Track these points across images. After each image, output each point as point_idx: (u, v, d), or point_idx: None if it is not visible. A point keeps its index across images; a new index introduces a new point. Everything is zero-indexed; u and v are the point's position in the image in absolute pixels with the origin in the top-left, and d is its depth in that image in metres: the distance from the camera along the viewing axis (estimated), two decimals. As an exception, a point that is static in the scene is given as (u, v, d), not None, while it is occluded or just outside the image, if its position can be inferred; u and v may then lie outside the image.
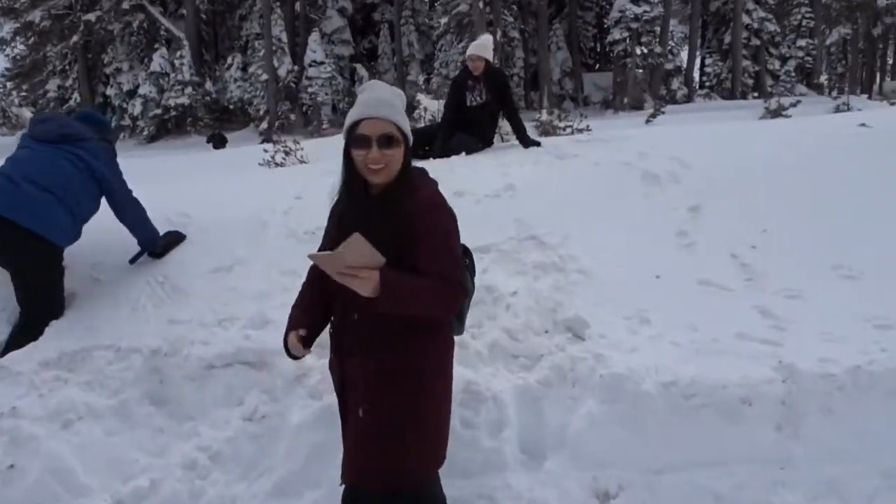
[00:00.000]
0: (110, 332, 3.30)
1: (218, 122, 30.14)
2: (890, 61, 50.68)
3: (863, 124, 4.97)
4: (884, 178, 4.17)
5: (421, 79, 27.78)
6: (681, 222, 4.00)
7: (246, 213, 4.24)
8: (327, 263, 1.77)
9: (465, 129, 5.29)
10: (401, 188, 1.89)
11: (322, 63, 29.00)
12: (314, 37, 29.70)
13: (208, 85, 30.87)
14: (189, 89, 28.92)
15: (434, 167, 4.95)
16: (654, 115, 19.88)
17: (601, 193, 4.25)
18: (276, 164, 15.12)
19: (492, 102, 5.33)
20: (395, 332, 1.86)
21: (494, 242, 3.77)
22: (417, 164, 4.72)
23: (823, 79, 36.83)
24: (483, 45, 5.20)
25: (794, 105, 19.87)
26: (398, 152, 1.86)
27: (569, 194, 4.26)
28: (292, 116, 29.49)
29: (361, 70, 31.94)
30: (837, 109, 20.39)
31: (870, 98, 28.45)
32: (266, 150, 15.44)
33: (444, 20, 26.38)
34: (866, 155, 4.48)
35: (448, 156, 5.13)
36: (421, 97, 17.96)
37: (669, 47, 28.83)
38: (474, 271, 2.24)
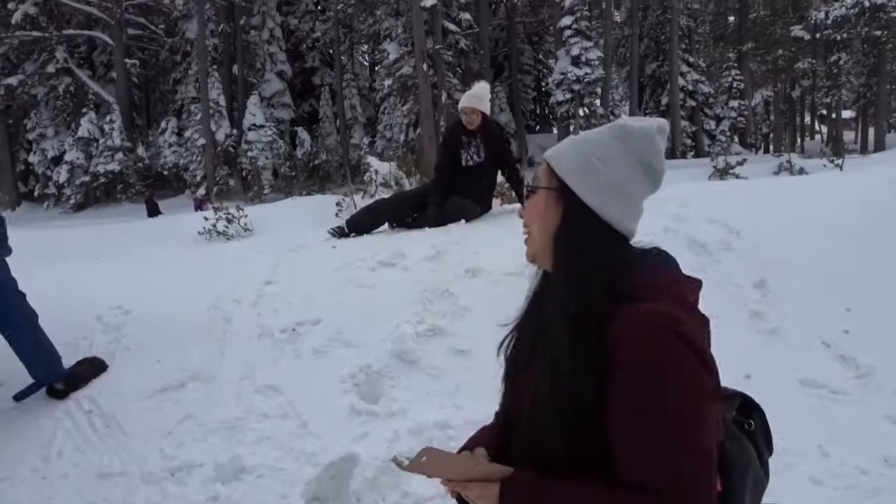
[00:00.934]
0: (7, 498, 2.25)
1: (151, 189, 28.69)
2: (808, 121, 53.63)
3: (902, 180, 4.43)
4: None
5: (365, 141, 27.22)
6: (751, 302, 3.28)
7: (201, 305, 3.29)
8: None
9: (462, 193, 4.51)
10: None
11: (262, 126, 28.14)
12: (253, 100, 28.90)
13: (140, 150, 29.45)
14: (120, 155, 27.47)
15: (432, 240, 4.14)
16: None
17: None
18: (219, 233, 14.04)
19: (490, 161, 4.58)
20: None
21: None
22: (405, 234, 3.83)
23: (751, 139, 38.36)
24: (479, 96, 4.46)
25: (740, 164, 20.14)
26: None
27: (608, 270, 3.47)
28: (231, 182, 28.31)
29: (303, 133, 31.22)
30: (780, 168, 20.82)
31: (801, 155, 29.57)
32: (206, 218, 14.35)
33: (387, 82, 26.05)
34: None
35: (444, 224, 4.32)
36: (371, 159, 17.23)
37: (611, 108, 29.34)
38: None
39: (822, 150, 34.57)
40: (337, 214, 15.81)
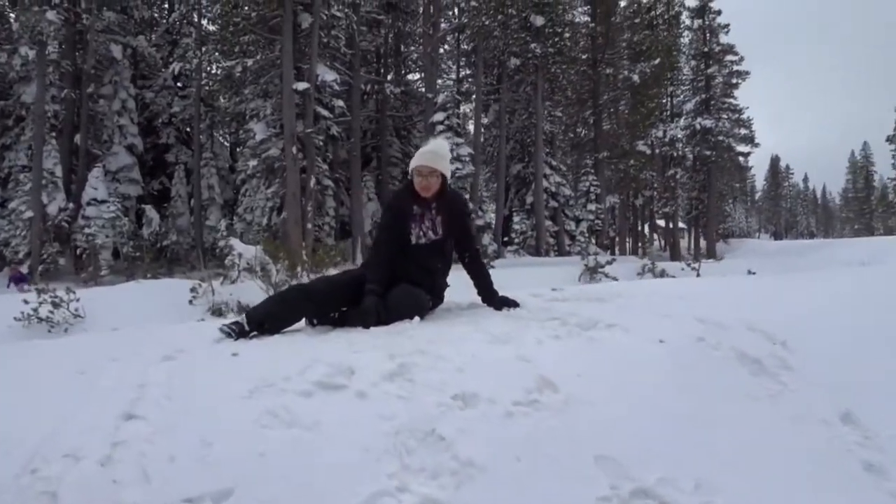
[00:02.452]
0: None
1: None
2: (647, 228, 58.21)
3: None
4: None
5: (222, 224, 25.16)
6: (854, 445, 2.35)
7: (6, 467, 1.82)
8: None
9: (409, 279, 3.33)
10: None
11: (104, 202, 25.28)
12: (96, 173, 26.07)
13: (-53, 221, 25.31)
14: (-80, 225, 23.35)
15: (385, 346, 2.91)
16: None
17: (704, 395, 2.49)
18: (41, 320, 11.56)
19: (448, 240, 3.47)
20: None
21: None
22: (335, 335, 2.70)
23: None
24: (439, 154, 3.38)
25: (609, 263, 20.57)
26: None
27: (654, 399, 2.44)
28: (62, 260, 24.85)
29: (151, 212, 28.51)
30: (644, 269, 21.56)
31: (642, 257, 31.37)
32: (27, 301, 11.85)
33: (252, 163, 24.52)
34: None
35: (388, 322, 3.11)
36: (235, 242, 15.52)
37: (479, 205, 29.62)
38: None
39: (683, 255, 37.21)
40: (191, 301, 13.81)
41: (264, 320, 3.11)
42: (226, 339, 3.04)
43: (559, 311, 3.37)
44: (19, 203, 24.69)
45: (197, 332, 3.33)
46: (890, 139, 62.74)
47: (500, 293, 3.57)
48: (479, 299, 3.64)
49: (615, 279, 19.17)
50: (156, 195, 31.90)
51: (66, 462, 1.83)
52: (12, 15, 26.26)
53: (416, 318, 3.13)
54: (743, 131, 46.62)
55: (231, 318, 12.42)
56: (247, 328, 3.09)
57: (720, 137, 42.81)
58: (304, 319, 3.32)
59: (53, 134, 26.34)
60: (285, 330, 3.22)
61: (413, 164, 3.40)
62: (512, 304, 3.48)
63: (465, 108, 33.74)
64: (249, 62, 23.51)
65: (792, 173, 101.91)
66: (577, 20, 33.14)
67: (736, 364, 2.71)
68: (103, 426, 2.01)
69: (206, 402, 2.21)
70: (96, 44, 27.09)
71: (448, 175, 3.43)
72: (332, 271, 15.07)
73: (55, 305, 11.71)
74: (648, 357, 2.70)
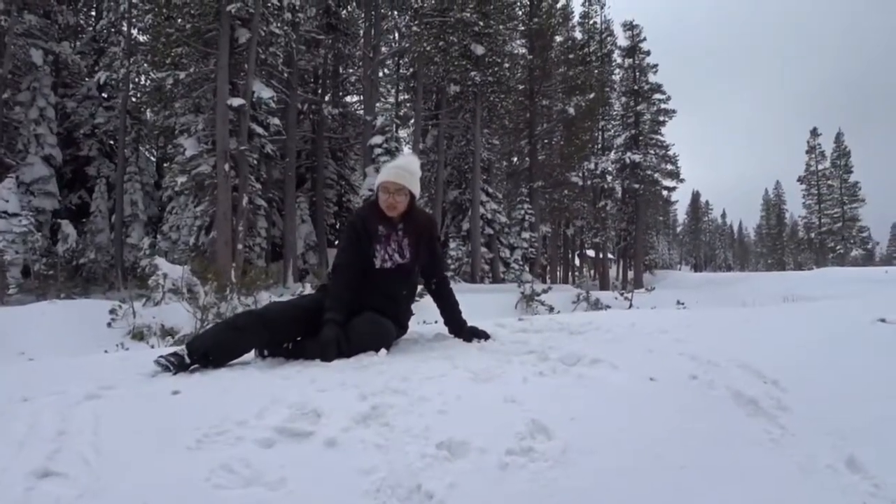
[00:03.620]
0: None
1: None
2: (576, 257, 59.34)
3: (882, 320, 3.84)
4: None
5: (145, 242, 23.89)
6: (864, 494, 2.18)
7: None
8: None
9: (372, 306, 3.01)
10: None
11: (16, 215, 23.62)
12: (8, 184, 24.36)
13: None
14: None
15: (353, 383, 2.57)
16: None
17: (707, 440, 2.28)
18: (-65, 344, 10.48)
19: (415, 264, 3.17)
20: None
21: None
22: (292, 368, 2.39)
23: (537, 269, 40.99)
24: (409, 170, 3.08)
25: (545, 291, 20.65)
26: None
27: (657, 447, 2.20)
28: (-37, 277, 23.00)
29: (67, 227, 26.84)
30: (579, 298, 21.74)
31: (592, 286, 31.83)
32: (-81, 324, 10.70)
33: (180, 179, 23.48)
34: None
35: (350, 355, 2.78)
36: (160, 261, 14.66)
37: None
38: None
39: (613, 285, 37.94)
40: (110, 324, 12.88)
41: (209, 351, 2.71)
42: (162, 373, 2.62)
43: (535, 343, 3.12)
44: (-84, 214, 22.81)
45: (127, 364, 2.88)
46: (800, 179, 66.71)
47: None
48: (445, 329, 3.36)
49: (551, 308, 19.23)
50: (74, 210, 30.14)
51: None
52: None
53: (383, 351, 2.82)
54: (669, 167, 48.46)
55: (154, 342, 11.62)
56: (187, 360, 2.68)
57: (648, 171, 44.35)
58: (253, 350, 2.94)
59: (-40, 141, 24.58)
60: (232, 363, 2.83)
61: (379, 179, 3.10)
62: (483, 335, 3.21)
63: (404, 132, 33.62)
64: (182, 75, 22.60)
65: (711, 209, 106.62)
66: (515, 52, 33.70)
67: (732, 405, 2.52)
68: (13, 488, 1.60)
69: (144, 454, 1.82)
70: (15, 48, 25.54)
71: (417, 194, 3.15)
72: (264, 294, 14.42)
73: (-47, 327, 10.66)
74: (643, 398, 2.48)
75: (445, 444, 2.00)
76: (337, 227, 37.56)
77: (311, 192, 32.03)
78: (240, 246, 21.81)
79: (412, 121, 31.38)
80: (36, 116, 26.81)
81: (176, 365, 2.65)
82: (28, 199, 25.81)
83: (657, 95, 45.15)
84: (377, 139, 25.73)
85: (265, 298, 13.10)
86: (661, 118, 46.10)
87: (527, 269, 33.16)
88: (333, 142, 33.02)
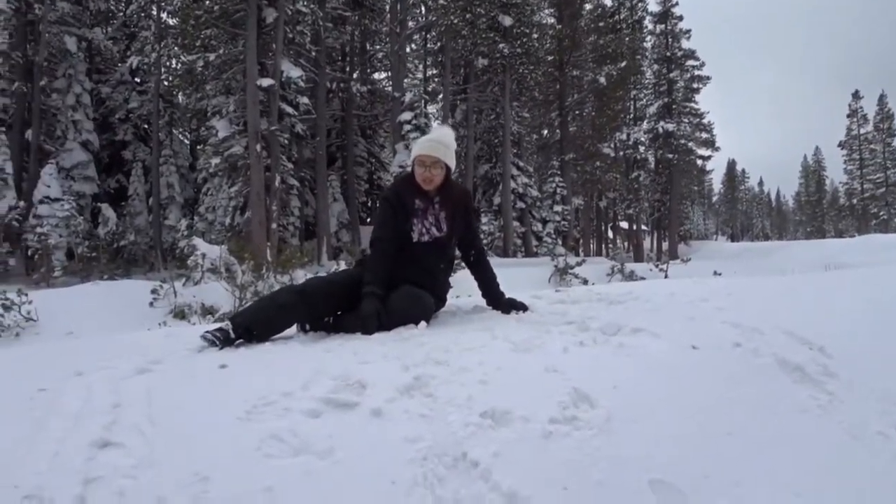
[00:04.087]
0: None
1: None
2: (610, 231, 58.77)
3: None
4: None
5: (182, 223, 24.34)
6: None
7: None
8: None
9: (411, 280, 3.03)
10: None
11: (58, 200, 24.24)
12: (49, 170, 24.98)
13: None
14: None
15: (395, 356, 2.61)
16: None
17: (754, 407, 2.26)
18: (-12, 324, 10.85)
19: (452, 238, 3.18)
20: None
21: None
22: (333, 343, 2.36)
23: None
24: (444, 143, 3.08)
25: (579, 264, 20.51)
26: None
27: (702, 415, 2.19)
28: (12, 261, 23.76)
29: (108, 210, 27.50)
30: (613, 270, 21.56)
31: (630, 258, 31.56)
32: (-28, 306, 11.11)
33: (214, 161, 23.79)
34: None
35: (390, 328, 2.81)
36: (198, 241, 14.93)
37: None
38: None
39: (647, 256, 37.53)
40: (152, 304, 13.21)
41: (253, 326, 2.77)
42: (209, 348, 2.69)
43: (573, 314, 3.11)
44: (-36, 201, 23.53)
45: (173, 340, 2.96)
46: (841, 144, 64.80)
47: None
48: (483, 301, 3.37)
49: (585, 280, 19.11)
50: (112, 193, 30.82)
51: (28, 505, 1.49)
52: (-42, 3, 25.00)
53: (423, 323, 2.84)
54: (703, 135, 47.44)
55: (195, 321, 11.88)
56: (232, 335, 2.74)
57: (681, 141, 43.46)
58: (295, 325, 2.99)
59: (3, 129, 25.19)
60: (275, 337, 2.89)
61: (415, 152, 3.10)
62: (521, 306, 3.21)
63: (432, 108, 33.45)
64: (211, 57, 22.77)
65: (748, 177, 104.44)
66: (543, 21, 33.12)
67: (778, 372, 2.48)
68: (73, 458, 1.66)
69: (196, 425, 1.88)
70: (49, 35, 25.99)
71: (453, 167, 3.15)
72: (300, 272, 14.60)
73: (6, 308, 11.04)
74: (686, 366, 2.45)
75: (489, 413, 2.01)
76: (368, 204, 37.73)
77: (342, 171, 32.19)
78: (274, 225, 22.06)
79: (441, 96, 31.21)
80: (73, 103, 27.33)
81: (221, 340, 2.70)
82: (69, 184, 26.43)
83: (690, 62, 44.04)
84: (406, 115, 25.67)
85: (301, 277, 13.26)
86: (695, 85, 45.00)
87: (559, 242, 32.95)
88: (363, 119, 33.03)
